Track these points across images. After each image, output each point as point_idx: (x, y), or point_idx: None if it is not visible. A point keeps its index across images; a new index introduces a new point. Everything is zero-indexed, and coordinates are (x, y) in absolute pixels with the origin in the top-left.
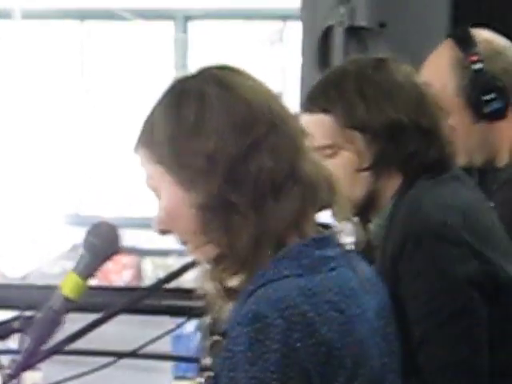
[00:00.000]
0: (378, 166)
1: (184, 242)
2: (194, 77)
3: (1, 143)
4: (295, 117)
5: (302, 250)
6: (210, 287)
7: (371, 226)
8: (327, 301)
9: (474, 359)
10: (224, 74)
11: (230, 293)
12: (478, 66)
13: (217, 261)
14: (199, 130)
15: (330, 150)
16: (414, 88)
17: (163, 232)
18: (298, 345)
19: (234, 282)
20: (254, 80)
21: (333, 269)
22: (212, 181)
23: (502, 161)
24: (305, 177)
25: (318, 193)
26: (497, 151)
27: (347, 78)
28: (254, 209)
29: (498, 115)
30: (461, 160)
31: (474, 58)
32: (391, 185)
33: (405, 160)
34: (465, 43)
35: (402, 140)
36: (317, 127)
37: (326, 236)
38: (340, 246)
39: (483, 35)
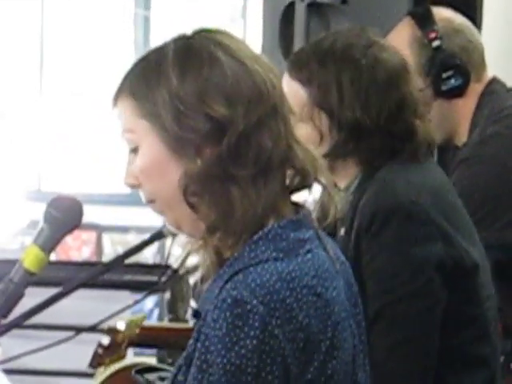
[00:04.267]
0: (334, 157)
1: (151, 200)
2: (197, 37)
3: None
4: (286, 95)
5: (278, 233)
6: (202, 258)
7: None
8: (305, 285)
9: (424, 340)
10: (230, 42)
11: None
12: (437, 43)
13: (208, 231)
14: (208, 93)
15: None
16: (395, 91)
17: (132, 186)
18: (277, 331)
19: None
20: (252, 50)
21: (308, 251)
22: (213, 148)
23: (461, 139)
24: (298, 163)
25: (307, 178)
26: (456, 129)
27: (332, 57)
28: (252, 185)
29: (457, 93)
30: None
31: (433, 35)
32: (346, 174)
33: (363, 158)
34: (424, 21)
35: (365, 140)
36: (292, 93)
37: (300, 217)
38: (313, 226)
39: (442, 13)
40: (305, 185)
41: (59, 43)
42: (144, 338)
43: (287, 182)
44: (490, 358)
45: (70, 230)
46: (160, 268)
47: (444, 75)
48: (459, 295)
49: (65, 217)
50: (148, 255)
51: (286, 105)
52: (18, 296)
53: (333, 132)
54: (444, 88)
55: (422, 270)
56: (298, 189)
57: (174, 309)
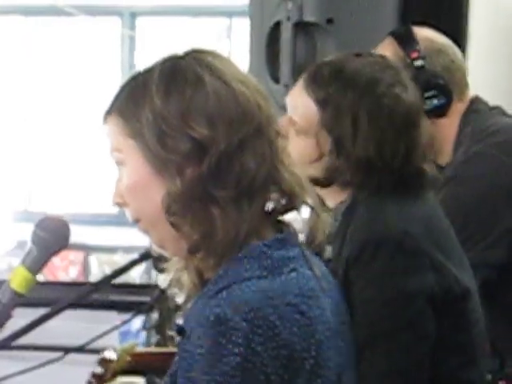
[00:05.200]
0: (329, 181)
1: (137, 219)
2: (186, 58)
3: None
4: (274, 117)
5: (263, 251)
6: (185, 278)
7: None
8: (288, 303)
9: (413, 372)
10: (218, 63)
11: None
12: (419, 63)
13: (190, 251)
14: (191, 114)
15: (300, 129)
16: (409, 134)
17: (119, 205)
18: (260, 348)
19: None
20: (241, 71)
21: (293, 270)
22: (194, 169)
23: (445, 159)
24: (284, 185)
25: (295, 200)
26: (439, 149)
27: (354, 87)
28: (233, 206)
29: (440, 112)
30: None
31: (415, 55)
32: (335, 195)
33: (366, 189)
34: (406, 41)
35: (371, 177)
36: (303, 107)
37: (285, 236)
38: (298, 245)
39: (424, 33)
40: (292, 206)
41: (46, 63)
42: (134, 364)
43: (274, 203)
44: (477, 383)
45: (58, 251)
46: (147, 288)
47: (427, 95)
48: (448, 323)
49: (52, 238)
50: (135, 275)
51: (272, 127)
52: (6, 317)
53: (333, 157)
54: (427, 108)
55: (413, 302)
56: (285, 210)
57: (161, 329)
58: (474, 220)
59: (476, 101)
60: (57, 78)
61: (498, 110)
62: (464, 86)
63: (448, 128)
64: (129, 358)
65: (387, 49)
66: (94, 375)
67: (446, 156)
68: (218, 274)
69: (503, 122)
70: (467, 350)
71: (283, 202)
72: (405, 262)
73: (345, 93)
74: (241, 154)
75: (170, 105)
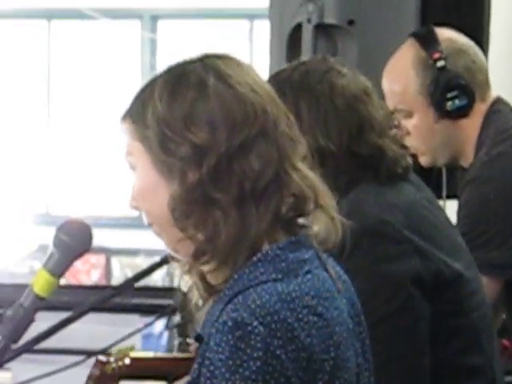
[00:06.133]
0: None
1: (150, 224)
2: (195, 62)
3: None
4: (290, 122)
5: (278, 254)
6: (190, 282)
7: None
8: (305, 305)
9: (414, 356)
10: (225, 67)
11: (210, 290)
12: (441, 63)
13: (195, 255)
14: (192, 118)
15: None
16: (355, 114)
17: (135, 208)
18: (279, 352)
19: (214, 280)
20: (254, 76)
21: (308, 272)
22: (194, 172)
23: (467, 160)
24: (295, 188)
25: (306, 204)
26: (461, 149)
27: (289, 85)
28: (236, 208)
29: (461, 113)
30: (425, 159)
31: (437, 55)
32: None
33: (329, 184)
34: (427, 42)
35: (329, 165)
36: None
37: (300, 238)
38: (313, 246)
39: (446, 34)
40: (304, 210)
41: (66, 68)
42: (135, 370)
43: (285, 207)
44: (484, 367)
45: (80, 255)
46: (170, 291)
47: (449, 95)
48: (442, 307)
49: (74, 241)
50: (157, 278)
51: (280, 130)
52: (29, 321)
53: None
54: (449, 108)
55: (400, 287)
56: (298, 214)
57: (183, 332)
58: (498, 220)
59: (498, 101)
60: (79, 81)
61: None
62: (486, 86)
63: (470, 129)
64: (127, 361)
65: (409, 50)
66: (91, 377)
67: (467, 157)
68: (233, 278)
69: None
70: (465, 334)
71: (296, 205)
72: (386, 250)
73: (283, 93)
74: (242, 156)
75: (172, 109)
